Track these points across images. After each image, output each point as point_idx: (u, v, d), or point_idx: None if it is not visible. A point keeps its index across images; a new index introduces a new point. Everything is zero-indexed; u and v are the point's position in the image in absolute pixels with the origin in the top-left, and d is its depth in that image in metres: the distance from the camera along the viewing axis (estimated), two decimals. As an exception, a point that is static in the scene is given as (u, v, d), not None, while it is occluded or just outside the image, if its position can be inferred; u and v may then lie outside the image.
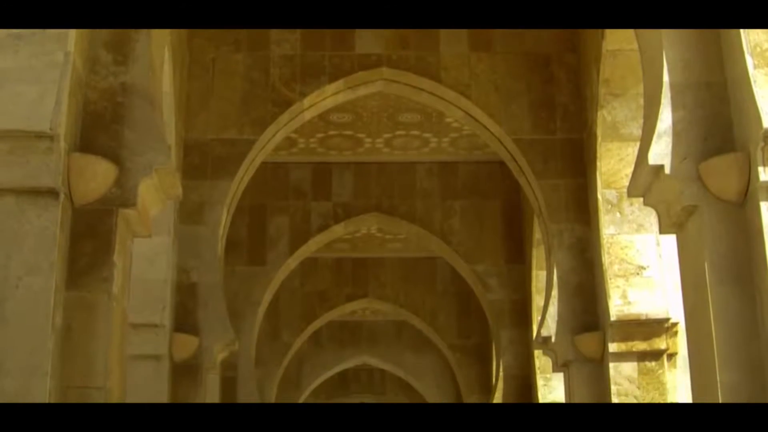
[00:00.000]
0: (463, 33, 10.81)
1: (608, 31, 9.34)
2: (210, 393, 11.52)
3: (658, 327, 9.44)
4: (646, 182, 6.22)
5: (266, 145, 10.98)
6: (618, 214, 9.74)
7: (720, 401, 5.73)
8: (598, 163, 9.88)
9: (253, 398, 14.38)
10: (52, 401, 5.67)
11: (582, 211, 10.25)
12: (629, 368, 9.45)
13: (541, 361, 13.07)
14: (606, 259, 9.59)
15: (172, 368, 9.73)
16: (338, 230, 15.28)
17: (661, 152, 5.89)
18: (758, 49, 5.55)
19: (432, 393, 22.35)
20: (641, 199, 6.55)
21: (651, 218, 9.43)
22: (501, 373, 14.60)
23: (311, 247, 15.20)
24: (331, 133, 13.79)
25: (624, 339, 9.40)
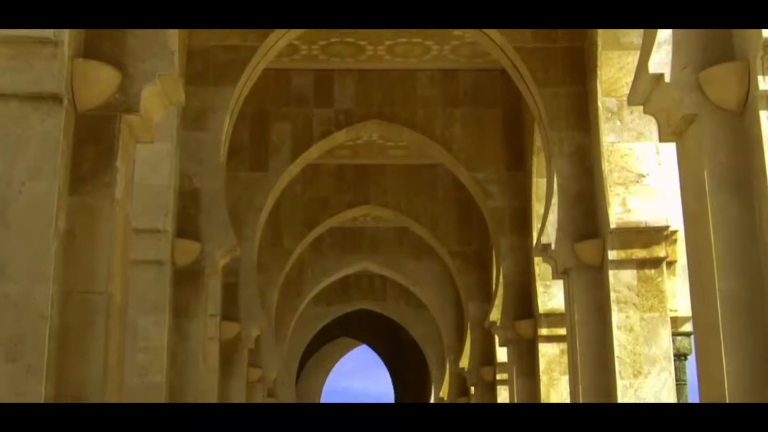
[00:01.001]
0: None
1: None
2: (211, 298, 11.64)
3: (658, 235, 9.50)
4: (646, 90, 6.21)
5: (269, 52, 10.94)
6: (618, 122, 9.74)
7: (719, 309, 5.80)
8: (598, 72, 9.84)
9: (254, 304, 14.53)
10: (54, 306, 5.74)
11: (582, 119, 10.25)
12: (628, 276, 9.52)
13: (541, 268, 13.16)
14: (606, 167, 9.61)
15: (173, 273, 9.81)
16: (340, 137, 15.27)
17: (661, 61, 5.88)
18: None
19: (432, 299, 22.55)
20: (641, 108, 6.55)
21: (651, 126, 9.43)
22: (501, 280, 14.71)
23: (313, 153, 15.21)
24: (333, 40, 13.70)
25: (623, 246, 9.47)
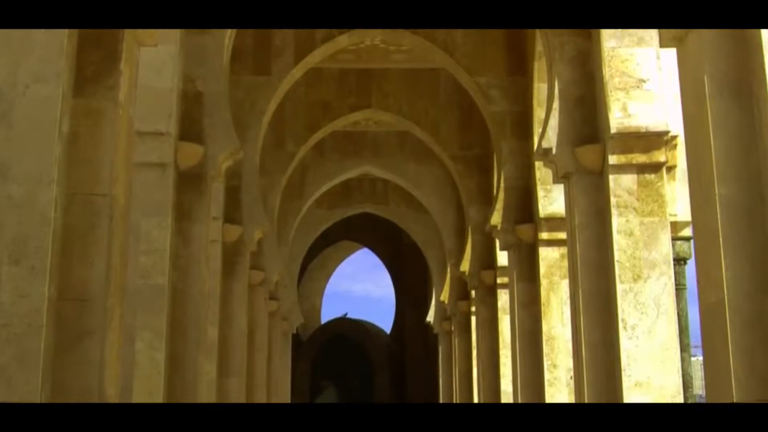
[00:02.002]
0: None
1: None
2: (214, 201, 11.71)
3: (658, 140, 9.52)
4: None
5: (271, -46, 10.84)
6: (618, 27, 9.69)
7: (718, 213, 5.86)
8: (600, -25, 9.76)
9: (257, 207, 14.61)
10: (58, 208, 5.80)
11: (584, 23, 10.20)
12: (629, 180, 9.57)
13: (542, 172, 13.21)
14: (606, 72, 9.59)
15: (176, 176, 9.86)
16: (342, 41, 15.19)
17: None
18: None
19: (433, 203, 22.66)
20: (642, 13, 6.52)
21: (651, 31, 9.39)
22: (502, 184, 14.77)
23: (316, 57, 15.15)
24: (336, -58, 13.55)
25: (624, 151, 9.50)
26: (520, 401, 13.90)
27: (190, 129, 10.21)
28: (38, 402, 5.84)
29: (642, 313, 9.71)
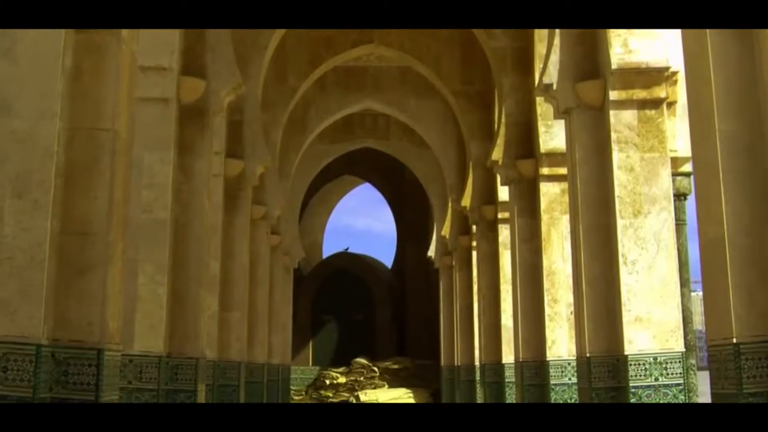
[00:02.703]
0: None
1: None
2: (216, 136, 11.73)
3: (658, 75, 9.51)
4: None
5: None
6: (621, -36, 9.63)
7: (718, 149, 5.88)
8: None
9: (259, 141, 14.62)
10: (61, 143, 5.82)
11: (585, -42, 10.12)
12: (629, 116, 9.58)
13: (543, 108, 13.19)
14: (609, 7, 9.54)
15: (179, 111, 9.87)
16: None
17: None
18: None
19: (434, 138, 22.64)
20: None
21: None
22: (503, 120, 14.76)
23: (317, -9, 15.04)
24: None
25: (624, 87, 9.49)
26: (520, 336, 14.01)
27: (192, 64, 10.19)
28: (40, 336, 5.92)
29: (642, 248, 9.76)
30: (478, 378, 20.30)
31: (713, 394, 6.73)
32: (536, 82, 11.66)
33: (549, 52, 10.35)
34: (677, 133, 10.73)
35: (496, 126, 16.37)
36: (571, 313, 12.53)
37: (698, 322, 20.78)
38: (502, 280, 17.26)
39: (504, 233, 17.31)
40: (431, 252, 26.72)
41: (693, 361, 10.03)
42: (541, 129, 13.62)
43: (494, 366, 17.37)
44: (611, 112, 9.54)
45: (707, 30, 5.79)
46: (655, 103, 9.57)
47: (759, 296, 6.42)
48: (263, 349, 18.20)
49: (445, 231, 23.97)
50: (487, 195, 18.36)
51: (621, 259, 9.74)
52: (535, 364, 13.67)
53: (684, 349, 9.75)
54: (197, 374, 9.99)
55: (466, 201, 19.76)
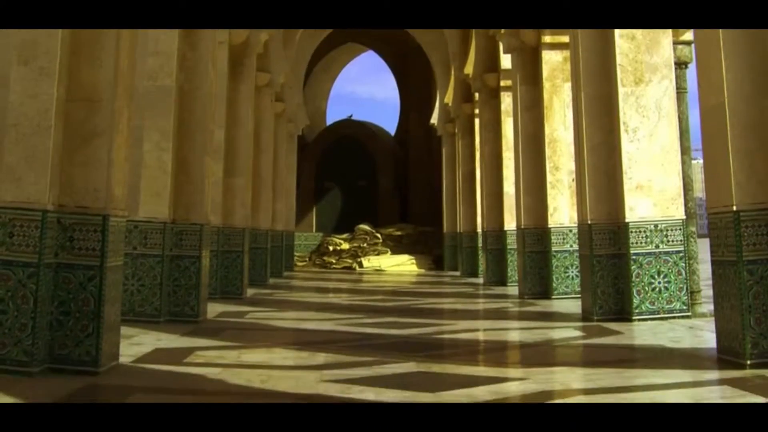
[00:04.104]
0: None
1: None
2: (219, 2, 11.60)
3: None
4: None
5: None
6: None
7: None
8: None
9: None
10: (68, 8, 5.81)
11: None
12: (635, -17, 9.49)
13: (549, -26, 13.03)
14: None
15: (180, -23, 9.77)
16: None
17: None
18: None
19: None
20: None
21: None
22: (508, -14, 14.58)
23: None
24: None
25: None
26: (522, 203, 14.13)
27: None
28: (46, 202, 6.01)
29: (643, 116, 9.80)
30: (480, 245, 20.54)
31: (713, 262, 6.86)
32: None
33: None
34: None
35: (500, -8, 16.16)
36: (573, 180, 12.64)
37: (698, 189, 20.87)
38: (504, 148, 17.33)
39: (506, 101, 17.33)
40: (434, 119, 26.70)
41: (693, 229, 10.15)
42: (546, -4, 13.47)
43: (496, 233, 17.57)
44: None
45: None
46: (660, -30, 9.48)
47: (759, 164, 6.49)
48: (267, 216, 18.38)
49: (448, 99, 23.91)
50: (490, 63, 18.29)
51: (622, 127, 9.79)
52: (537, 231, 13.84)
53: (684, 217, 9.87)
54: (201, 240, 10.14)
55: (469, 69, 19.69)
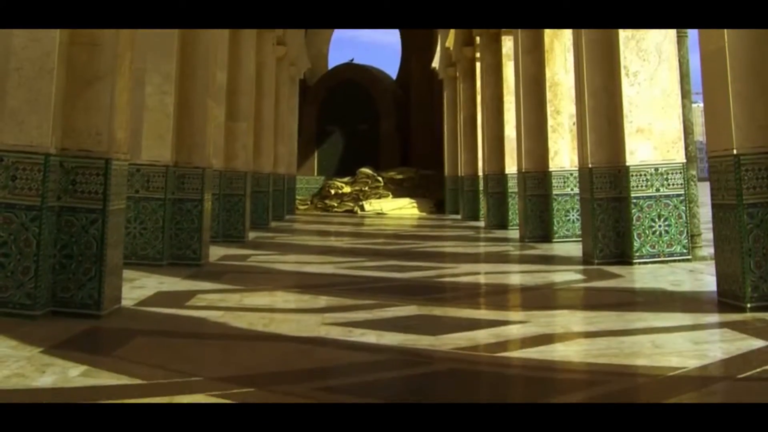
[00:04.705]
0: None
1: None
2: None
3: None
4: None
5: None
6: None
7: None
8: None
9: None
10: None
11: None
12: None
13: None
14: None
15: None
16: None
17: None
18: None
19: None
20: None
21: None
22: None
23: None
24: None
25: None
26: (523, 147, 14.13)
27: None
28: (49, 145, 6.03)
29: (644, 60, 9.77)
30: (481, 188, 20.57)
31: (713, 205, 6.89)
32: None
33: None
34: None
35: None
36: (574, 124, 12.63)
37: (699, 133, 20.83)
38: (505, 92, 17.30)
39: (507, 45, 17.25)
40: (435, 63, 26.58)
41: (694, 172, 10.16)
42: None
43: (497, 176, 17.58)
44: None
45: None
46: None
47: (759, 108, 6.50)
48: (269, 159, 18.39)
49: (450, 42, 23.80)
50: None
51: (623, 71, 9.77)
52: (538, 175, 13.85)
53: (685, 160, 9.88)
54: (204, 183, 10.16)
55: None
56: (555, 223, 13.44)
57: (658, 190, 9.70)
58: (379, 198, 27.68)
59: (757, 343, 5.26)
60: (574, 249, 11.72)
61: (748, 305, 6.39)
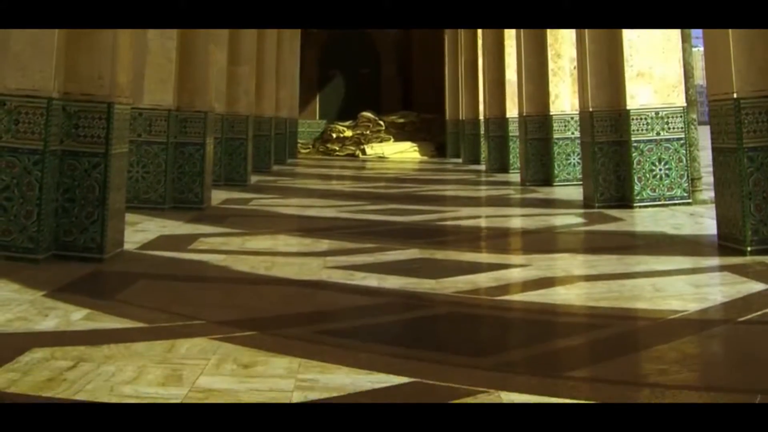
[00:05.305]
0: None
1: None
2: None
3: None
4: None
5: None
6: None
7: None
8: None
9: None
10: None
11: None
12: None
13: None
14: None
15: None
16: None
17: None
18: None
19: None
20: None
21: None
22: None
23: None
24: None
25: None
26: (524, 91, 14.11)
27: None
28: (51, 89, 6.05)
29: (647, 3, 9.73)
30: (482, 132, 20.55)
31: (713, 149, 6.91)
32: None
33: None
34: None
35: None
36: (574, 68, 12.59)
37: (699, 77, 20.71)
38: (506, 36, 17.22)
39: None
40: (437, 6, 26.36)
41: (694, 116, 10.17)
42: None
43: (498, 120, 17.56)
44: None
45: None
46: None
47: (759, 51, 6.50)
48: (271, 103, 18.36)
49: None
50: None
51: (626, 15, 9.74)
52: (539, 119, 13.84)
53: (685, 104, 9.89)
54: (206, 127, 10.17)
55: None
56: (556, 166, 13.46)
57: (658, 133, 9.71)
58: (381, 142, 27.62)
59: (757, 287, 5.31)
60: (575, 192, 11.75)
61: (749, 248, 6.43)
